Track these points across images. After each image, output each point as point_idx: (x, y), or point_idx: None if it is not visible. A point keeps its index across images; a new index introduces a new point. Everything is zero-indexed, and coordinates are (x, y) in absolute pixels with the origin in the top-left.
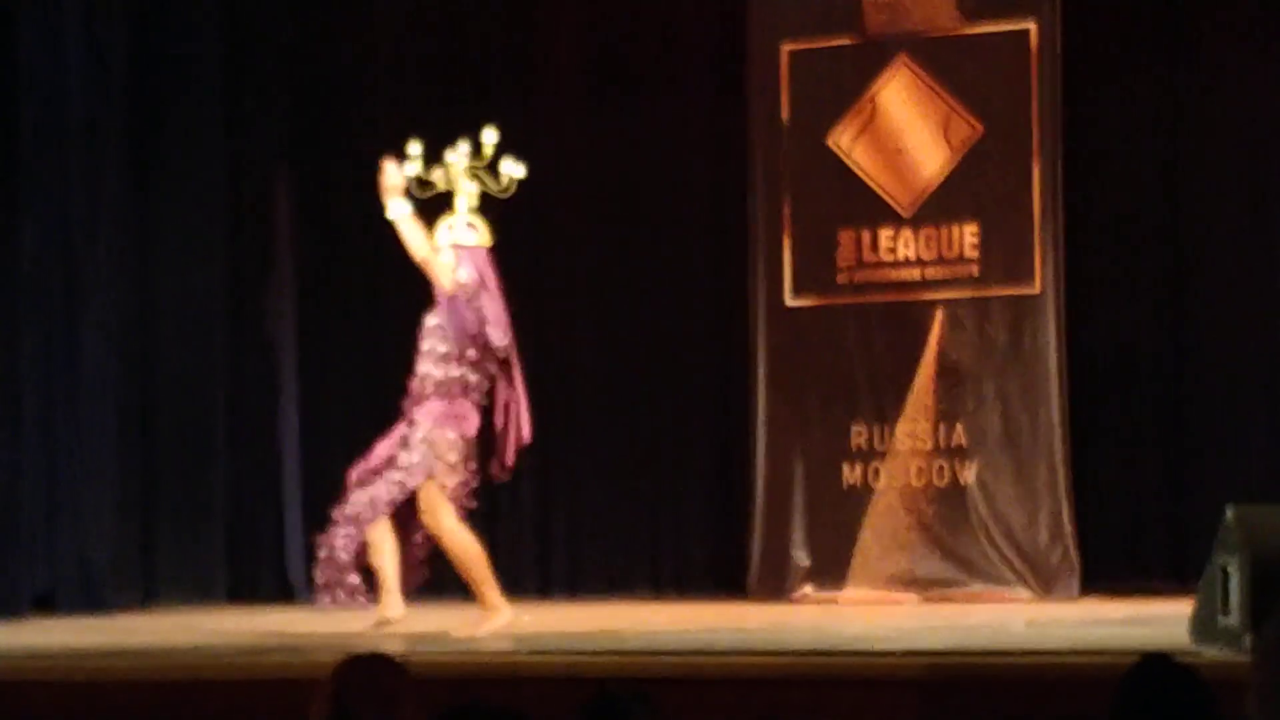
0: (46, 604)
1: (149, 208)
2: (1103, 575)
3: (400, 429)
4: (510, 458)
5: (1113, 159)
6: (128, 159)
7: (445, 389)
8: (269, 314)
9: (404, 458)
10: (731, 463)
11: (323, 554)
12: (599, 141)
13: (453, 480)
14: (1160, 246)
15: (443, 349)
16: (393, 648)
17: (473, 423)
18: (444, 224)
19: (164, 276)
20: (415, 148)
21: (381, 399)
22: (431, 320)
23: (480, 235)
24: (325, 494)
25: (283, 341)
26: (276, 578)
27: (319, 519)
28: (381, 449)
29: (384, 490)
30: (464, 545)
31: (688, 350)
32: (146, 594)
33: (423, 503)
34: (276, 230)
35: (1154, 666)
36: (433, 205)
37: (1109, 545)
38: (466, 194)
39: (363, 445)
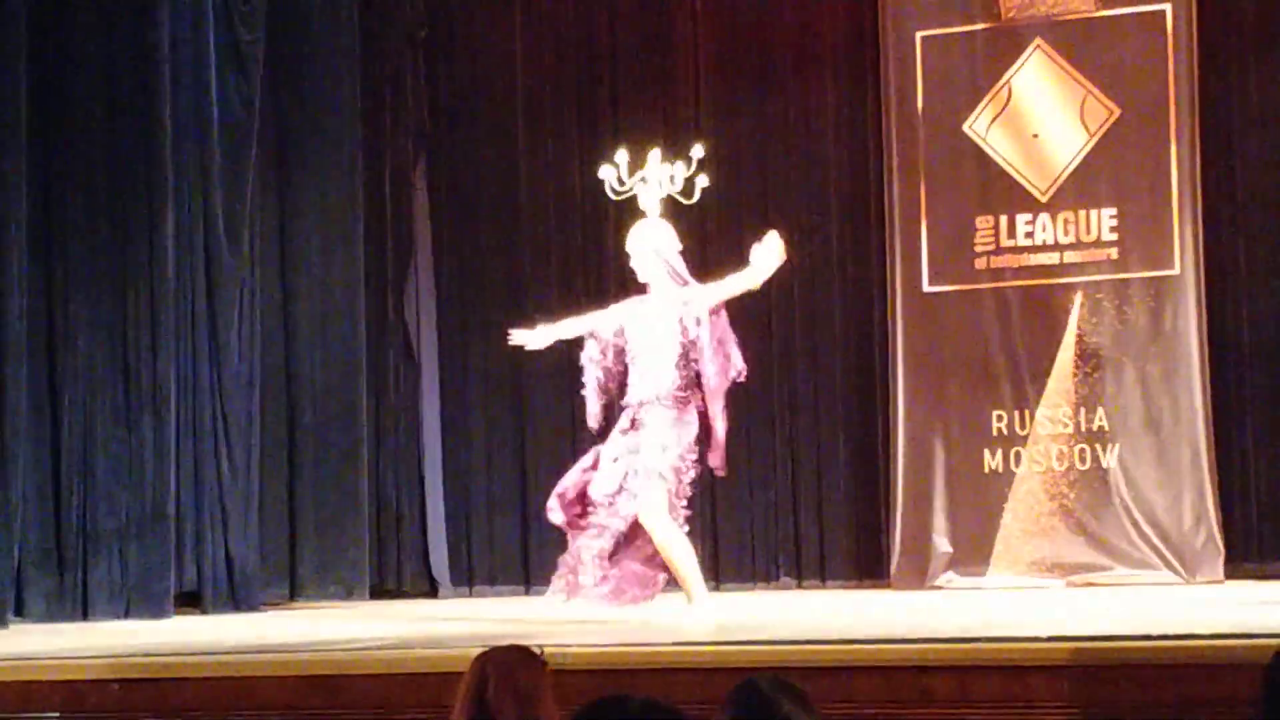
0: (193, 602)
1: (289, 204)
2: (1248, 557)
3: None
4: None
5: (1250, 139)
6: (268, 156)
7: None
8: (409, 309)
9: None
10: (872, 450)
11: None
12: (737, 131)
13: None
14: None
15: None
16: (535, 640)
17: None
18: (645, 229)
19: (305, 273)
20: (623, 155)
21: (520, 395)
22: (659, 327)
23: (672, 238)
24: (467, 489)
25: (423, 338)
26: (421, 573)
27: (461, 513)
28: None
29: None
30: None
31: (827, 338)
32: (292, 591)
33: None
34: (415, 225)
35: None
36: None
37: (1254, 527)
38: (660, 201)
39: (503, 441)
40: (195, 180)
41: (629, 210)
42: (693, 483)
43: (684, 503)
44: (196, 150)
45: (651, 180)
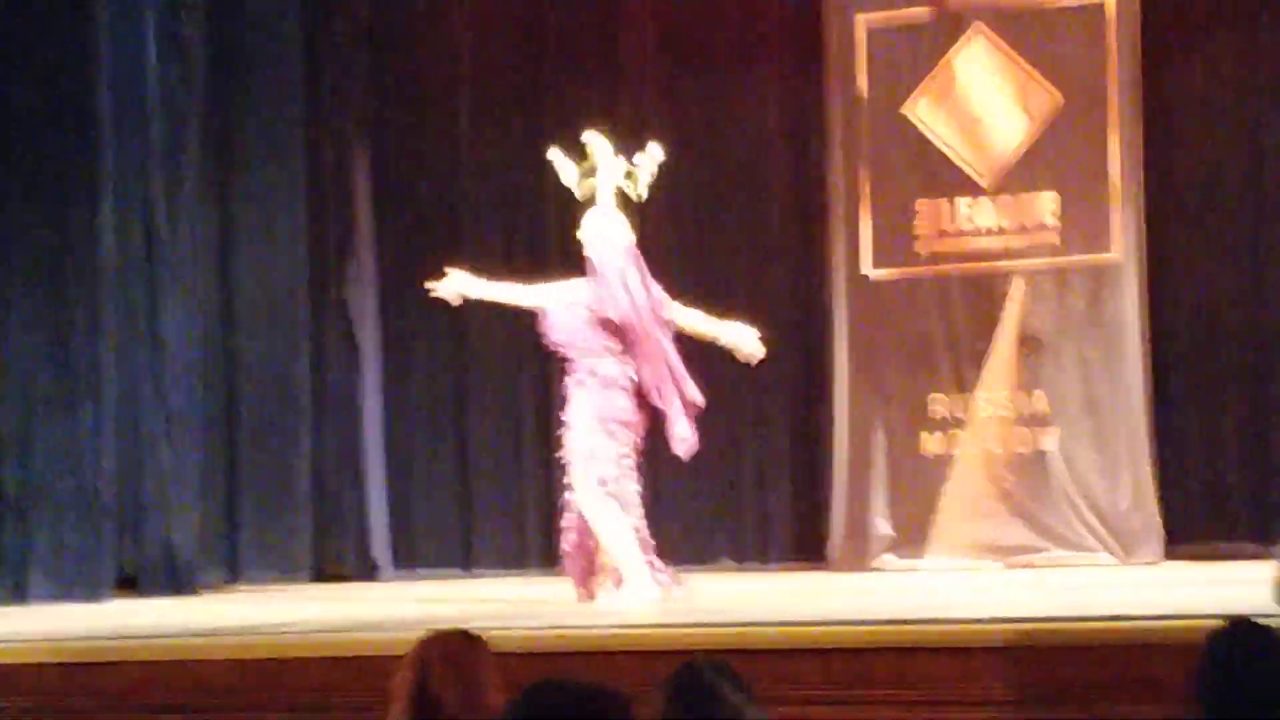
0: (131, 585)
1: (230, 191)
2: (1185, 539)
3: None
4: None
5: (1193, 126)
6: (208, 143)
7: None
8: (350, 296)
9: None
10: (813, 432)
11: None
12: (678, 117)
13: None
14: (1241, 212)
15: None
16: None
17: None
18: (592, 217)
19: (246, 259)
20: (555, 152)
21: (462, 378)
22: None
23: (626, 230)
24: (407, 472)
25: (364, 323)
26: (361, 555)
27: (402, 496)
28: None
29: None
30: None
31: (769, 322)
32: (231, 574)
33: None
34: (356, 212)
35: (1238, 629)
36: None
37: (1191, 509)
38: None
39: (444, 424)
40: (134, 164)
41: (570, 193)
42: (627, 456)
43: (618, 482)
44: (136, 134)
45: (604, 171)
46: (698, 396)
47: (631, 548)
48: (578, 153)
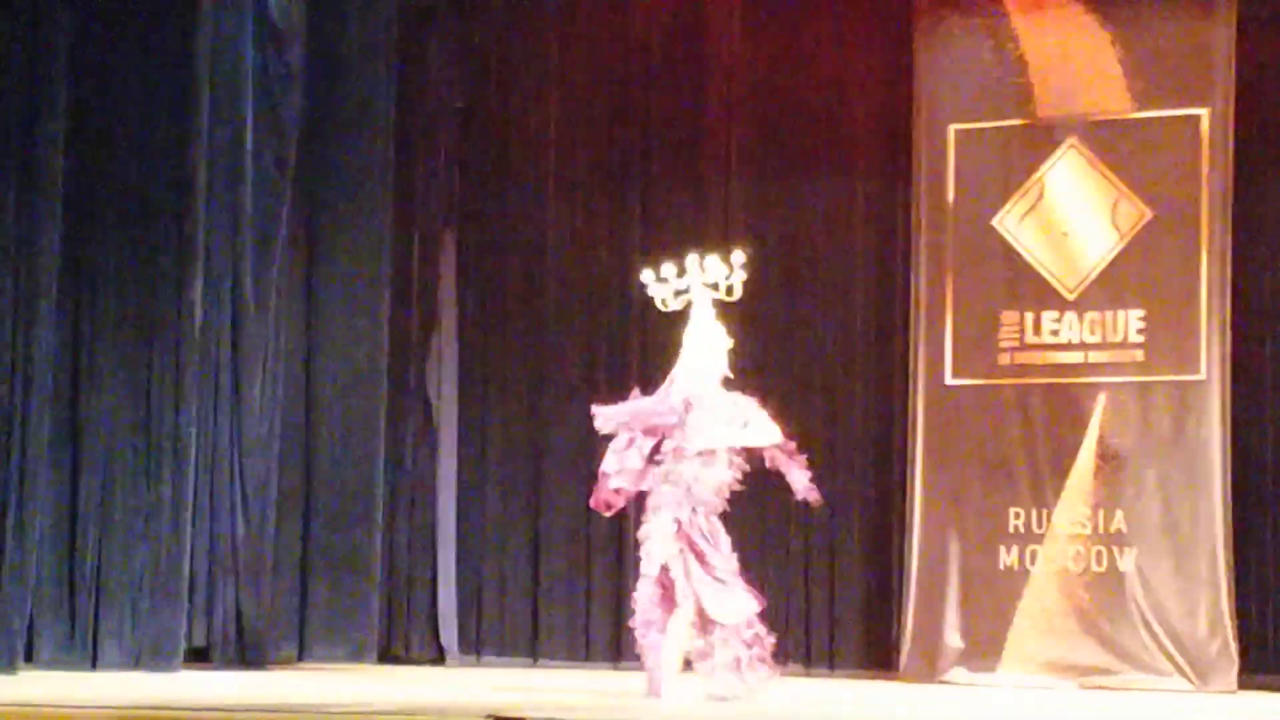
0: (202, 656)
1: (316, 270)
2: (1262, 669)
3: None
4: None
5: None
6: (297, 222)
7: None
8: (430, 378)
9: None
10: (887, 540)
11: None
12: (767, 219)
13: None
14: None
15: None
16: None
17: None
18: (696, 336)
19: (329, 339)
20: (649, 274)
21: (537, 467)
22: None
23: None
24: (480, 558)
25: (442, 406)
26: (429, 639)
27: (473, 582)
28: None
29: None
30: None
31: (848, 426)
32: (299, 650)
33: None
34: (440, 295)
35: None
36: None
37: (1269, 638)
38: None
39: (518, 513)
40: (226, 236)
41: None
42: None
43: None
44: (229, 206)
45: (696, 283)
46: None
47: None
48: (671, 269)
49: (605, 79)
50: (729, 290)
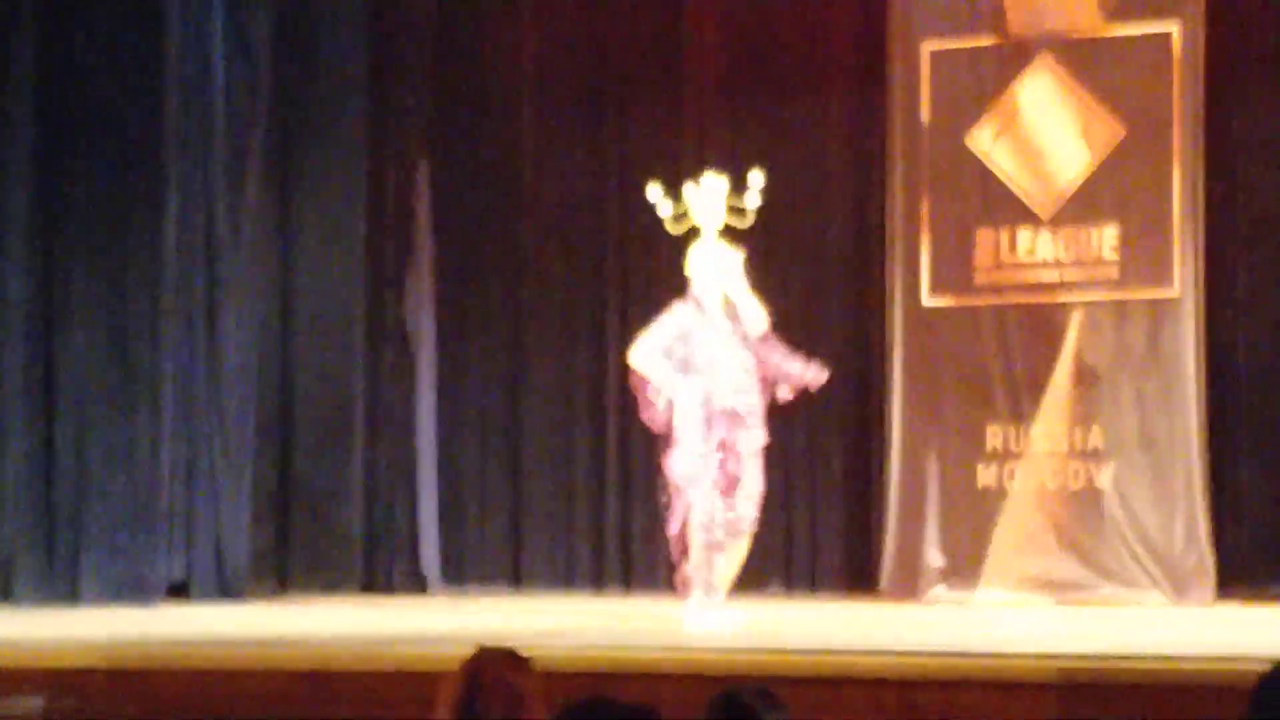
0: (181, 590)
1: (290, 200)
2: (1238, 581)
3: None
4: None
5: (1255, 163)
6: (271, 152)
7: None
8: (407, 307)
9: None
10: (866, 462)
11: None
12: (739, 140)
13: None
14: None
15: (750, 380)
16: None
17: None
18: (700, 253)
19: (304, 269)
20: (655, 190)
21: (516, 395)
22: (733, 350)
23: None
24: (460, 487)
25: (420, 335)
26: (410, 569)
27: (453, 511)
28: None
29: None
30: None
31: (825, 348)
32: (280, 583)
33: None
34: (416, 224)
35: None
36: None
37: (1245, 551)
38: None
39: (498, 442)
40: (198, 170)
41: (632, 215)
42: None
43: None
44: (201, 139)
45: (707, 203)
46: None
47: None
48: (672, 193)
49: (580, 1)
50: (740, 214)
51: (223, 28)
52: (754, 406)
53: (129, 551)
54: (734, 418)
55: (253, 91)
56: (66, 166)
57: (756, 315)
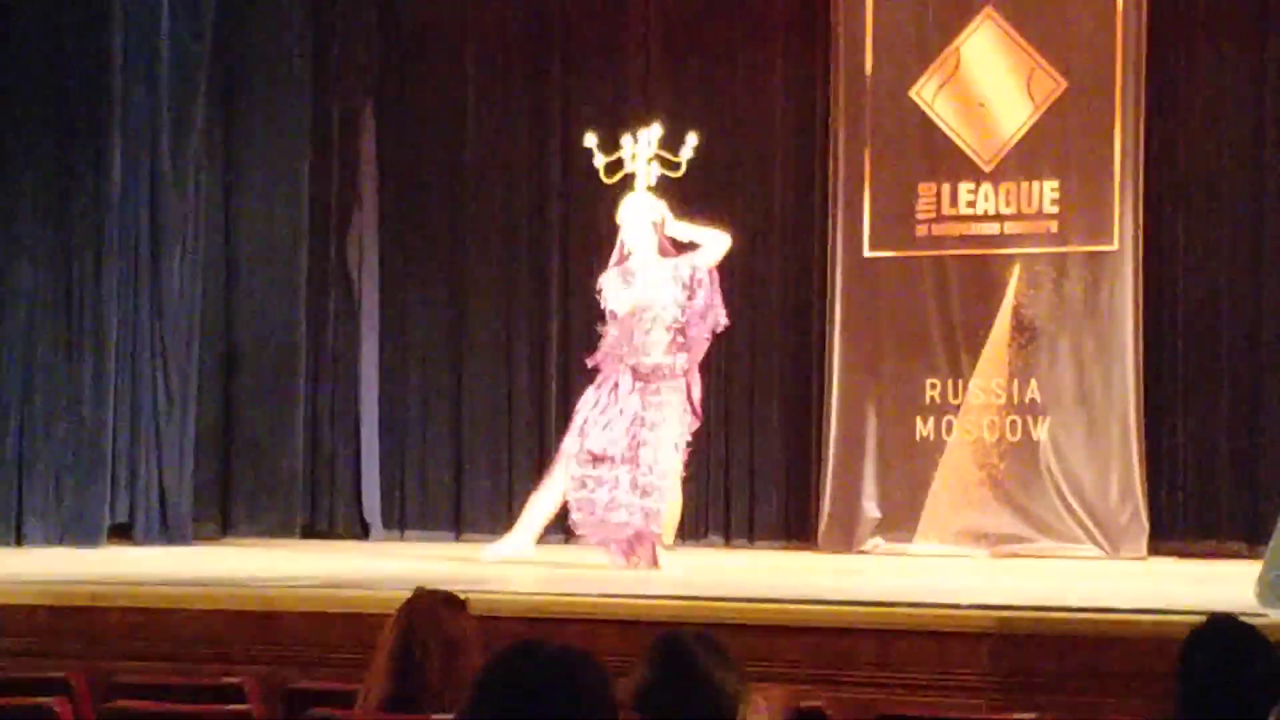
0: (125, 532)
1: (235, 144)
2: (1172, 535)
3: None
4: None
5: (1196, 117)
6: (214, 95)
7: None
8: (351, 253)
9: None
10: (805, 413)
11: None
12: (682, 91)
13: None
14: (1242, 205)
15: (674, 325)
16: (461, 585)
17: None
18: (632, 202)
19: (248, 213)
20: (592, 138)
21: (458, 343)
22: (663, 293)
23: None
24: (402, 434)
25: (364, 280)
26: (352, 515)
27: (395, 458)
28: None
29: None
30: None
31: (765, 298)
32: (223, 527)
33: None
34: (360, 168)
35: (1220, 626)
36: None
37: (1179, 505)
38: (648, 175)
39: (440, 388)
40: (142, 114)
41: (573, 169)
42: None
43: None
44: (145, 80)
45: (641, 154)
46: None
47: None
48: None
49: None
50: (674, 166)
51: None
52: (669, 364)
53: (73, 493)
54: (652, 372)
55: (197, 34)
56: (7, 111)
57: (715, 237)
